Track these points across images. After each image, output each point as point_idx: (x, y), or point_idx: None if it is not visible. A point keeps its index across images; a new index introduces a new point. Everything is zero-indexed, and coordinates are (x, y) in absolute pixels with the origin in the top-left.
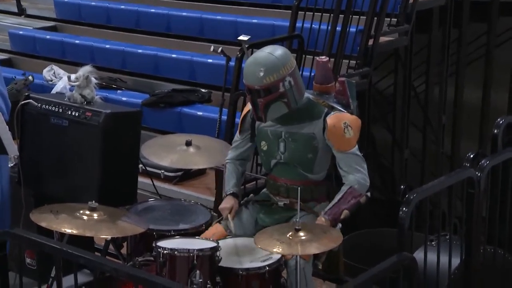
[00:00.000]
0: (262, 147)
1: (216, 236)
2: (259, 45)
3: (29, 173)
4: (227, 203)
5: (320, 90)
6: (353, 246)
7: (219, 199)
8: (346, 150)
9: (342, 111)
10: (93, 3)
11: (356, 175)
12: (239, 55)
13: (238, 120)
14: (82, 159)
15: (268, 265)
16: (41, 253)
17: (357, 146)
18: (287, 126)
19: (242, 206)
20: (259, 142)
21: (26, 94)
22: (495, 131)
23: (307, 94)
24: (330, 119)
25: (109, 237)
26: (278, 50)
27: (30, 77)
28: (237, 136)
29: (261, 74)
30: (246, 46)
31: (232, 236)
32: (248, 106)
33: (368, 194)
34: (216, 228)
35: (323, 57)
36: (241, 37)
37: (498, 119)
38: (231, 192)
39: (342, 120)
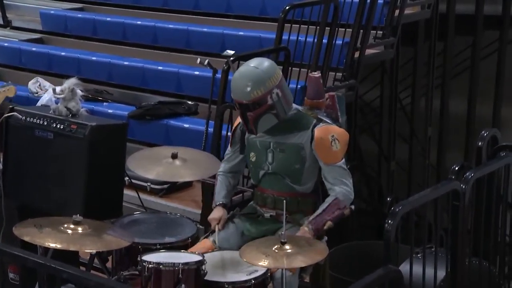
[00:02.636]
0: (251, 158)
1: (204, 251)
2: (246, 58)
3: (13, 186)
4: (216, 214)
5: (311, 105)
6: (340, 258)
7: (205, 212)
8: (332, 163)
9: (331, 124)
10: (79, 15)
11: (341, 187)
12: (225, 68)
13: (224, 133)
14: (67, 172)
15: (254, 278)
16: (25, 268)
17: (343, 160)
18: (275, 136)
19: (228, 220)
20: (248, 154)
21: (11, 106)
22: (480, 143)
23: (296, 106)
24: (318, 131)
25: (94, 251)
26: (264, 63)
27: (12, 86)
28: (228, 149)
29: (248, 89)
30: (232, 60)
31: (218, 250)
32: (239, 119)
33: (352, 207)
34: (204, 243)
35: (316, 72)
36: (226, 52)
37: (483, 132)
38: (220, 202)
39: (330, 133)
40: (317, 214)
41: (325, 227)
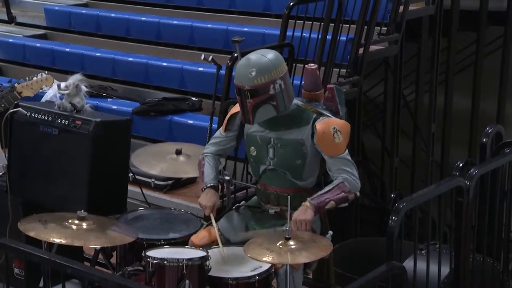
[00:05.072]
0: (251, 152)
1: (206, 239)
2: (250, 53)
3: (18, 182)
4: (209, 200)
5: (309, 97)
6: (344, 254)
7: None
8: (336, 155)
9: (331, 117)
10: (83, 11)
11: (348, 175)
12: (229, 64)
13: None
14: (71, 168)
15: (257, 274)
16: (30, 263)
17: (347, 151)
18: (276, 131)
19: (233, 210)
20: (248, 148)
21: (16, 102)
22: (484, 139)
23: (296, 101)
24: (319, 125)
25: (98, 246)
26: (270, 53)
27: (16, 85)
28: (220, 133)
29: (253, 74)
30: (239, 44)
31: (222, 240)
32: (237, 107)
33: (358, 193)
34: (207, 231)
35: (312, 64)
36: (235, 38)
37: (487, 128)
38: (211, 184)
39: (331, 125)
40: (321, 192)
41: (327, 207)
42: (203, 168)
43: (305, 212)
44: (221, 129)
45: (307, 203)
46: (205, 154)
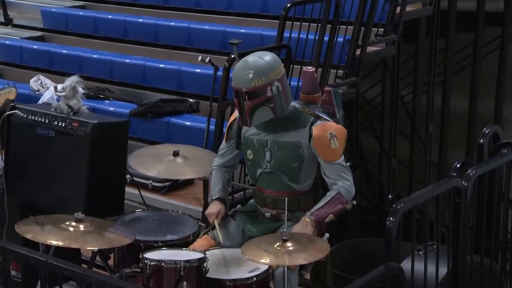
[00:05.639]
0: (248, 156)
1: (204, 247)
2: (247, 55)
3: (15, 184)
4: (213, 208)
5: (306, 100)
6: (341, 256)
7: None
8: (332, 161)
9: (328, 120)
10: (80, 13)
11: (343, 182)
12: (226, 65)
13: (225, 130)
14: (68, 169)
15: (255, 276)
16: (27, 265)
17: (343, 157)
18: (273, 134)
19: (229, 217)
20: (245, 151)
21: (12, 104)
22: (481, 140)
23: (293, 103)
24: (316, 129)
25: (95, 248)
26: (268, 55)
27: (13, 88)
28: (223, 144)
29: (250, 76)
30: (236, 46)
31: (219, 247)
32: (235, 114)
33: (354, 202)
34: (204, 239)
35: (310, 67)
36: (232, 40)
37: (484, 129)
38: (217, 197)
39: (328, 130)
40: (319, 206)
41: (327, 220)
42: (210, 182)
43: (305, 226)
44: (223, 140)
45: (307, 218)
46: (212, 167)
